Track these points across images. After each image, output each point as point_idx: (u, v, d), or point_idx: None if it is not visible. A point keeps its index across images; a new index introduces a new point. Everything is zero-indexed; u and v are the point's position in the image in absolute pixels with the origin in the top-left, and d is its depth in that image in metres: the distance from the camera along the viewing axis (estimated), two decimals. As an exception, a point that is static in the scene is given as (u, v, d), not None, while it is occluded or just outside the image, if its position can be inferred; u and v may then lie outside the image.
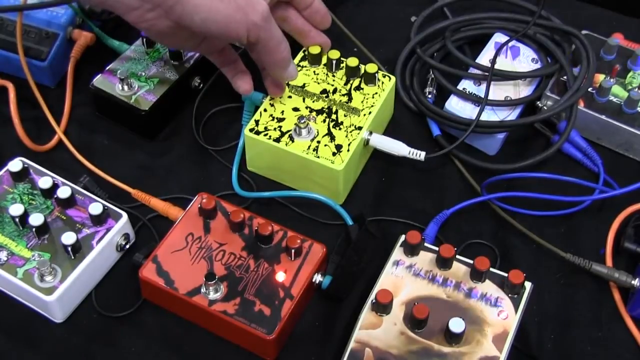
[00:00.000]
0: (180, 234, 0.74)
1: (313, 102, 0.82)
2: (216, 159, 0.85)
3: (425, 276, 0.71)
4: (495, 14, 0.92)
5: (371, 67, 0.82)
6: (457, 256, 0.72)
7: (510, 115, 0.84)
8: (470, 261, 0.71)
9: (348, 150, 0.78)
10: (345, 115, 0.80)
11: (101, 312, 0.73)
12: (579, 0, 1.01)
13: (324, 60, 0.85)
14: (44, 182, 0.76)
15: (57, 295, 0.70)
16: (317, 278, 0.72)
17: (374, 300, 0.68)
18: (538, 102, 0.86)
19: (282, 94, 0.81)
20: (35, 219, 0.72)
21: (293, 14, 0.82)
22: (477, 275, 0.70)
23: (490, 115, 0.84)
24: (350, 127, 0.79)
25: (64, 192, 0.75)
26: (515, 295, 0.70)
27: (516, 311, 0.69)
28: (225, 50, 0.79)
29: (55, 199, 0.75)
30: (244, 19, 0.69)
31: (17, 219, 0.73)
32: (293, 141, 0.78)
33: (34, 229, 0.73)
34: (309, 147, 0.78)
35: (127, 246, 0.77)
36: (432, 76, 0.89)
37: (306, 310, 0.74)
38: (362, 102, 0.81)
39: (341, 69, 0.84)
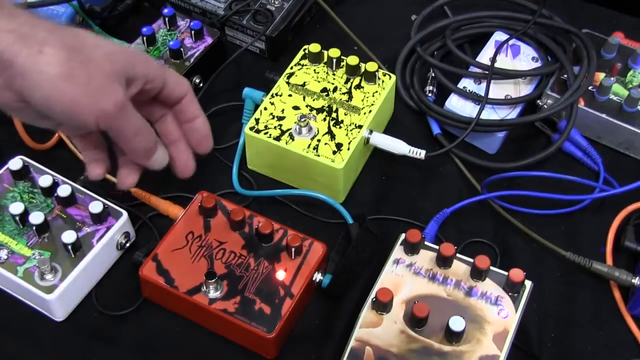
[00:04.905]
0: (180, 232, 0.74)
1: (313, 100, 0.82)
2: (216, 158, 0.85)
3: (425, 275, 0.71)
4: (496, 13, 0.92)
5: (371, 66, 0.82)
6: (458, 255, 0.72)
7: (510, 113, 0.84)
8: (471, 260, 0.71)
9: (348, 149, 0.78)
10: (345, 114, 0.80)
11: (101, 311, 0.73)
12: (580, -1, 1.01)
13: (325, 58, 0.85)
14: (44, 181, 0.75)
15: (58, 294, 0.70)
16: (318, 277, 0.72)
17: (374, 299, 0.68)
18: (538, 101, 0.86)
19: (134, 183, 0.66)
20: (36, 218, 0.72)
21: (169, 118, 0.65)
22: (477, 273, 0.70)
23: (490, 114, 0.84)
24: (350, 125, 0.79)
25: (64, 191, 0.74)
26: (516, 294, 0.69)
27: (516, 310, 0.69)
28: (92, 135, 0.64)
29: (56, 197, 0.75)
30: (92, 106, 0.56)
31: (17, 218, 0.73)
32: (293, 140, 0.78)
33: (34, 228, 0.73)
34: (309, 145, 0.78)
35: (128, 245, 0.76)
36: (433, 75, 0.89)
37: (306, 308, 0.74)
38: (362, 100, 0.81)
39: (341, 67, 0.84)
